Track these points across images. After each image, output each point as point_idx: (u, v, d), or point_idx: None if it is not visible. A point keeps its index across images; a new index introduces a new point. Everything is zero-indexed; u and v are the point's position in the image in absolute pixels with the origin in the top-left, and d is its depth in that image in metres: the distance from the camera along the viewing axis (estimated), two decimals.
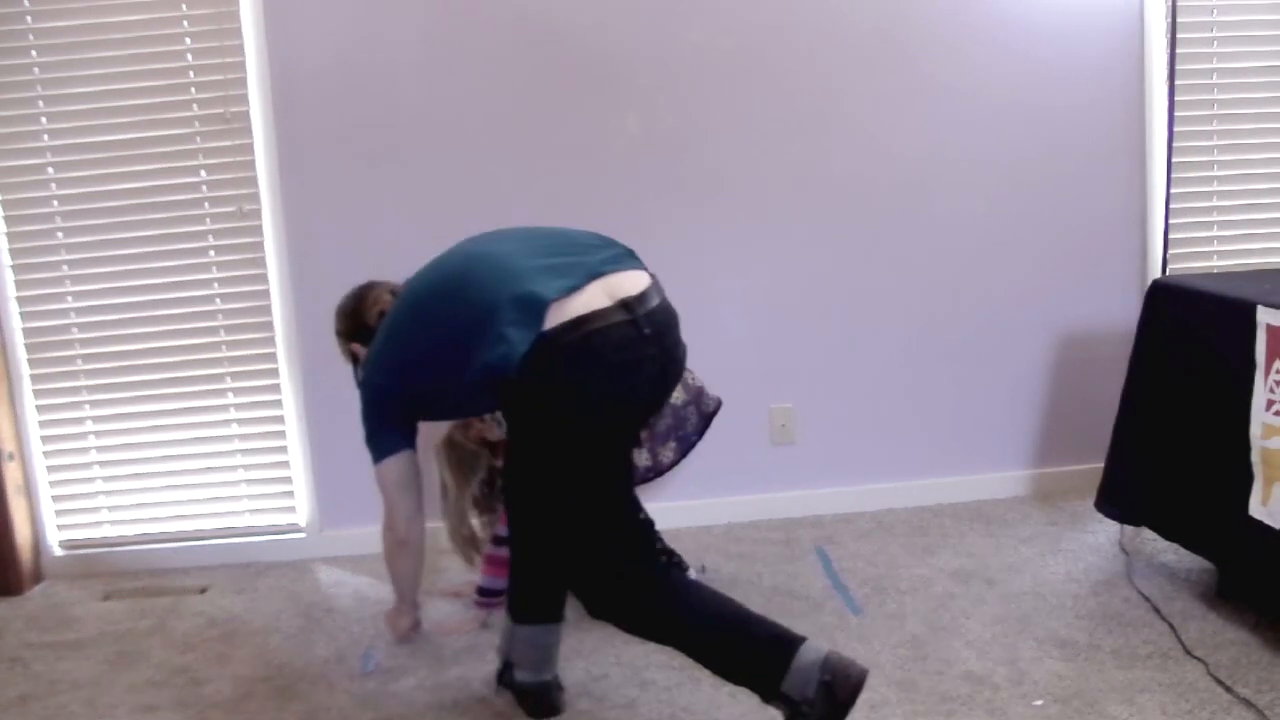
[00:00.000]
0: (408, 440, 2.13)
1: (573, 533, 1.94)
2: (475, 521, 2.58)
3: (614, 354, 1.82)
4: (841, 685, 1.80)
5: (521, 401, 1.86)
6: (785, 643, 1.85)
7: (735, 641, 1.89)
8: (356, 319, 2.32)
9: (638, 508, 2.33)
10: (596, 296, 1.84)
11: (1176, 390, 2.46)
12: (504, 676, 2.16)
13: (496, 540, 2.50)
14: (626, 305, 1.85)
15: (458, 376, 1.89)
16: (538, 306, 1.80)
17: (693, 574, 2.67)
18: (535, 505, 1.97)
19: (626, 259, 1.98)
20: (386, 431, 2.12)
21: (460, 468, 2.48)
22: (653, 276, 1.98)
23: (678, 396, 2.52)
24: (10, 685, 2.40)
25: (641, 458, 2.50)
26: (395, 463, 2.11)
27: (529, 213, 3.00)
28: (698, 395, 2.56)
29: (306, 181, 2.96)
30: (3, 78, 2.88)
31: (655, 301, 1.93)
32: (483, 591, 2.54)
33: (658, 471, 2.52)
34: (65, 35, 2.87)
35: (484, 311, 1.83)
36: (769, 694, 1.85)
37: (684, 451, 2.55)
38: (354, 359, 2.37)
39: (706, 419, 2.58)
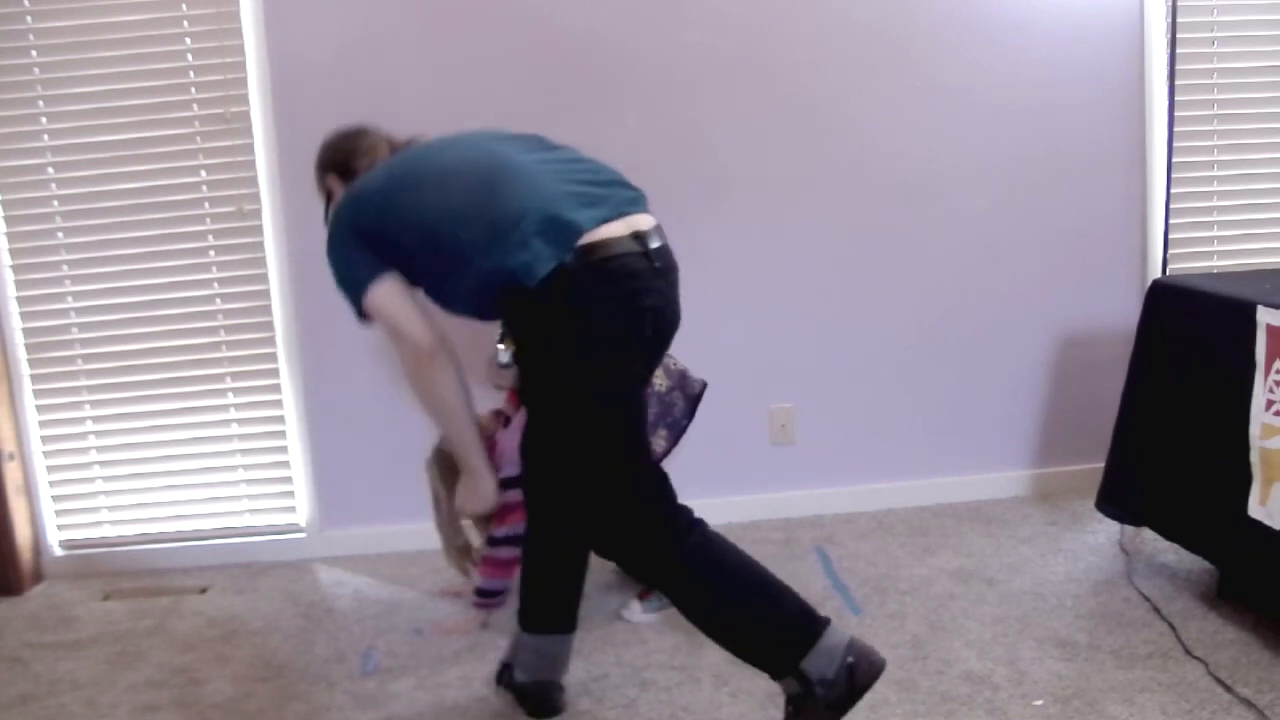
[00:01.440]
0: (388, 268, 1.92)
1: (589, 463, 1.85)
2: (470, 533, 2.57)
3: (627, 280, 1.83)
4: (864, 670, 1.78)
5: (532, 319, 1.83)
6: (814, 619, 1.81)
7: (762, 608, 1.82)
8: (344, 157, 2.17)
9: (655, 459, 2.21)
10: (617, 227, 1.85)
11: (1176, 390, 2.46)
12: (503, 676, 2.16)
13: (493, 541, 2.49)
14: (639, 237, 1.87)
15: (462, 265, 1.85)
16: (571, 231, 1.80)
17: None
18: (550, 438, 1.89)
19: (643, 201, 2.00)
20: (364, 261, 1.92)
21: (452, 478, 2.44)
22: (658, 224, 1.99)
23: (662, 383, 2.51)
24: (10, 685, 2.40)
25: None
26: (385, 285, 1.91)
27: None
28: (681, 379, 2.56)
29: (306, 181, 2.95)
30: (3, 78, 2.88)
31: (662, 243, 1.95)
32: (481, 592, 2.54)
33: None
34: (65, 35, 2.87)
35: (513, 214, 1.81)
36: (783, 669, 1.80)
37: (675, 438, 2.54)
38: (328, 196, 2.22)
39: (693, 401, 2.57)
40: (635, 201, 1.96)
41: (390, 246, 1.91)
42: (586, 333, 1.82)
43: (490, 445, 2.45)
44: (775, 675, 1.83)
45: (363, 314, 1.95)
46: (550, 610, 2.13)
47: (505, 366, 2.26)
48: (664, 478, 1.90)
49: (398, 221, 1.90)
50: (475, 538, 2.58)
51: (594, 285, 1.81)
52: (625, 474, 1.86)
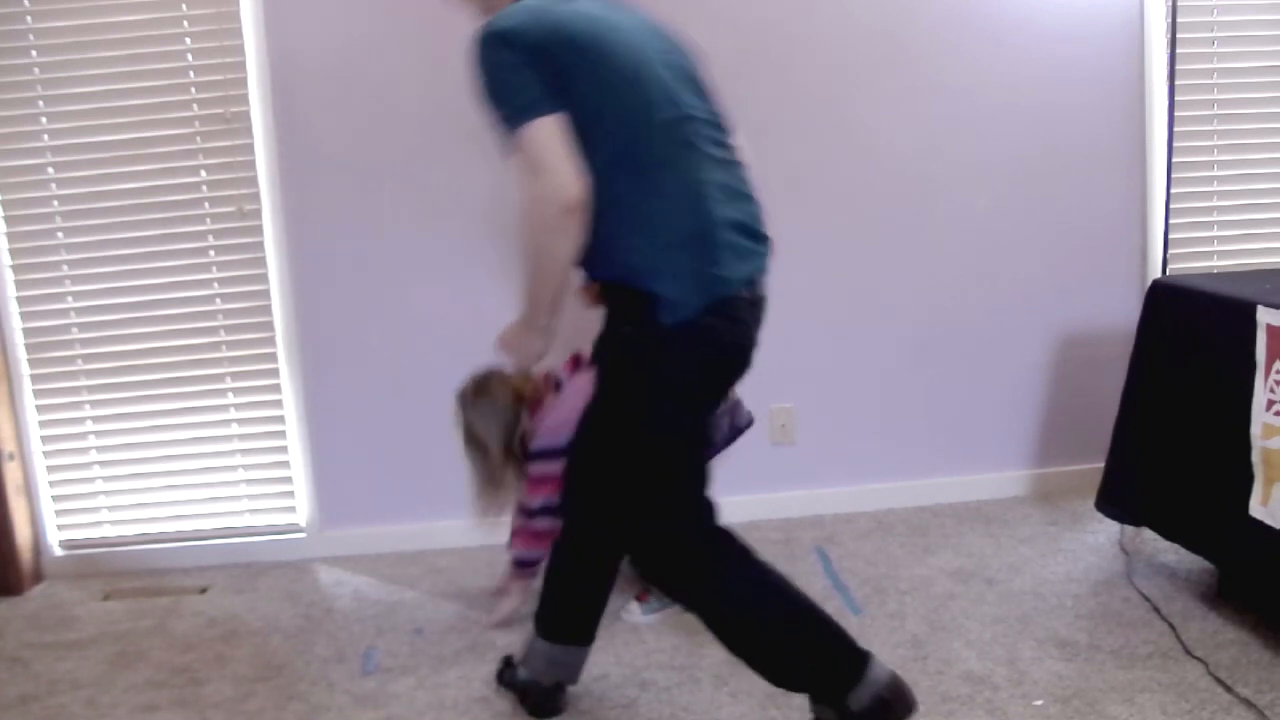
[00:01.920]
0: (561, 108, 1.69)
1: (646, 485, 1.80)
2: (508, 476, 2.48)
3: (739, 335, 1.80)
4: (899, 708, 1.79)
5: (636, 329, 1.75)
6: (860, 653, 1.81)
7: (812, 640, 1.81)
8: None
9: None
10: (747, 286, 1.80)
11: (1176, 390, 2.46)
12: (504, 675, 2.16)
13: (529, 513, 2.47)
14: (751, 283, 1.81)
15: (611, 206, 1.71)
16: (719, 286, 1.73)
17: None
18: (610, 452, 1.81)
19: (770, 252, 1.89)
20: (538, 88, 1.68)
21: (494, 417, 2.39)
22: None
23: None
24: (10, 685, 2.40)
25: None
26: (554, 121, 1.68)
27: None
28: (734, 408, 2.57)
29: (306, 181, 2.96)
30: (3, 78, 2.88)
31: (764, 286, 1.88)
32: (520, 563, 2.53)
33: None
34: (65, 35, 2.87)
35: (683, 231, 1.72)
36: (828, 699, 1.80)
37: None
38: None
39: (737, 432, 2.58)
40: (767, 257, 1.87)
41: (572, 99, 1.70)
42: (682, 375, 1.77)
43: (535, 406, 2.45)
44: (817, 699, 1.84)
45: (506, 142, 1.72)
46: (574, 621, 2.11)
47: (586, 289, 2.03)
48: (712, 508, 1.86)
49: (593, 87, 1.71)
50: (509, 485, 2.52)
51: (709, 338, 1.75)
52: (679, 503, 1.83)
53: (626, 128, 1.72)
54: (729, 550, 1.83)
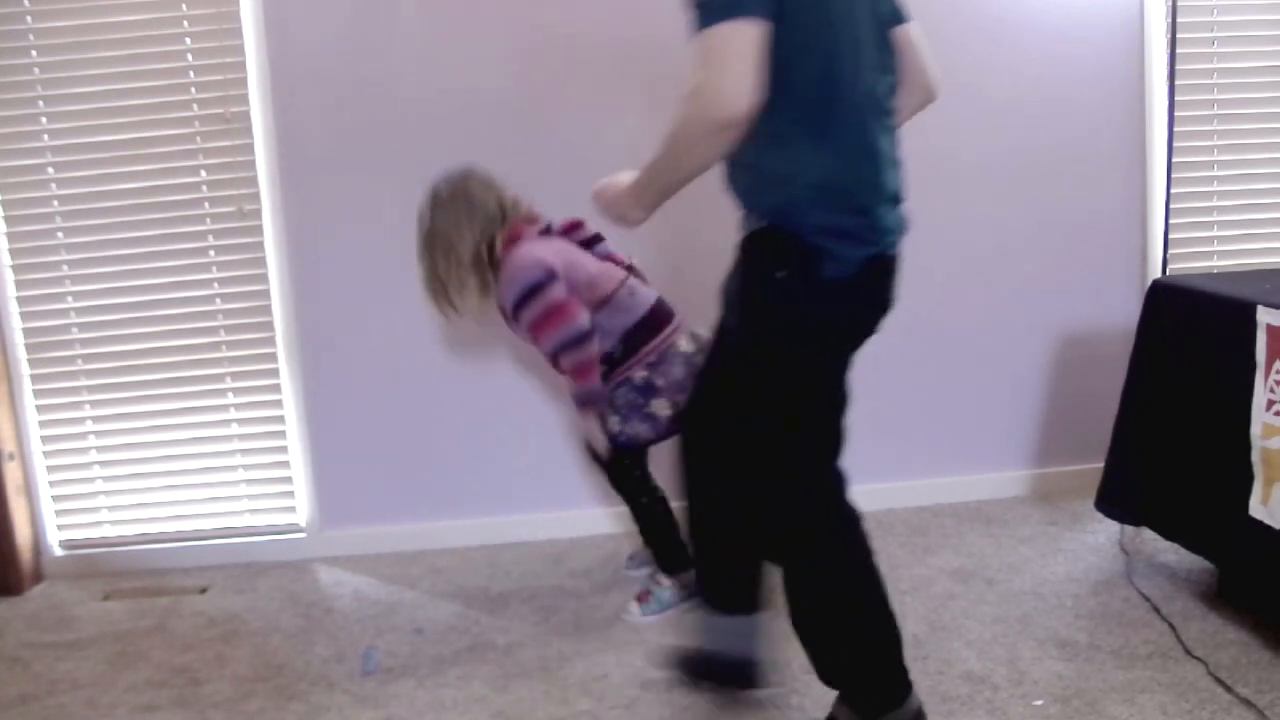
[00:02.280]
0: (769, 20, 1.53)
1: (787, 431, 1.76)
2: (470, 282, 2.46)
3: (880, 295, 1.78)
4: None
5: (799, 283, 1.66)
6: (907, 680, 1.84)
7: (877, 651, 1.81)
8: None
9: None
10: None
11: (1176, 390, 2.46)
12: (697, 668, 2.00)
13: (581, 400, 2.47)
14: (896, 262, 1.78)
15: (787, 139, 1.61)
16: (873, 246, 1.68)
17: None
18: (752, 397, 1.75)
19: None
20: None
21: (470, 218, 2.45)
22: None
23: (689, 346, 2.51)
24: (10, 685, 2.40)
25: (662, 407, 2.47)
26: (756, 28, 1.50)
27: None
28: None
29: (306, 181, 2.96)
30: (3, 78, 2.88)
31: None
32: (583, 398, 2.47)
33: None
34: (65, 35, 2.87)
35: (863, 193, 1.67)
36: (862, 711, 1.82)
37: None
38: None
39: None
40: (906, 223, 1.82)
41: (785, 22, 1.56)
42: (832, 327, 1.74)
43: (514, 235, 2.46)
44: (859, 707, 1.83)
45: (692, 36, 1.58)
46: (733, 587, 1.95)
47: None
48: (843, 479, 1.86)
49: (811, 18, 1.59)
50: None
51: (861, 295, 1.73)
52: (812, 463, 1.82)
53: (824, 78, 1.61)
54: (848, 533, 1.83)
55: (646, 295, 2.55)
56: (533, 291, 2.39)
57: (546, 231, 2.56)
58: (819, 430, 1.84)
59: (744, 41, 1.50)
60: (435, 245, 2.48)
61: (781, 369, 1.73)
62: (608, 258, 2.60)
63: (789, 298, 1.69)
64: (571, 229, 2.61)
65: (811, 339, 1.73)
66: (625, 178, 1.84)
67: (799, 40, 1.57)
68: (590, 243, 2.62)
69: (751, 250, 1.75)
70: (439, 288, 2.49)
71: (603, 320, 2.46)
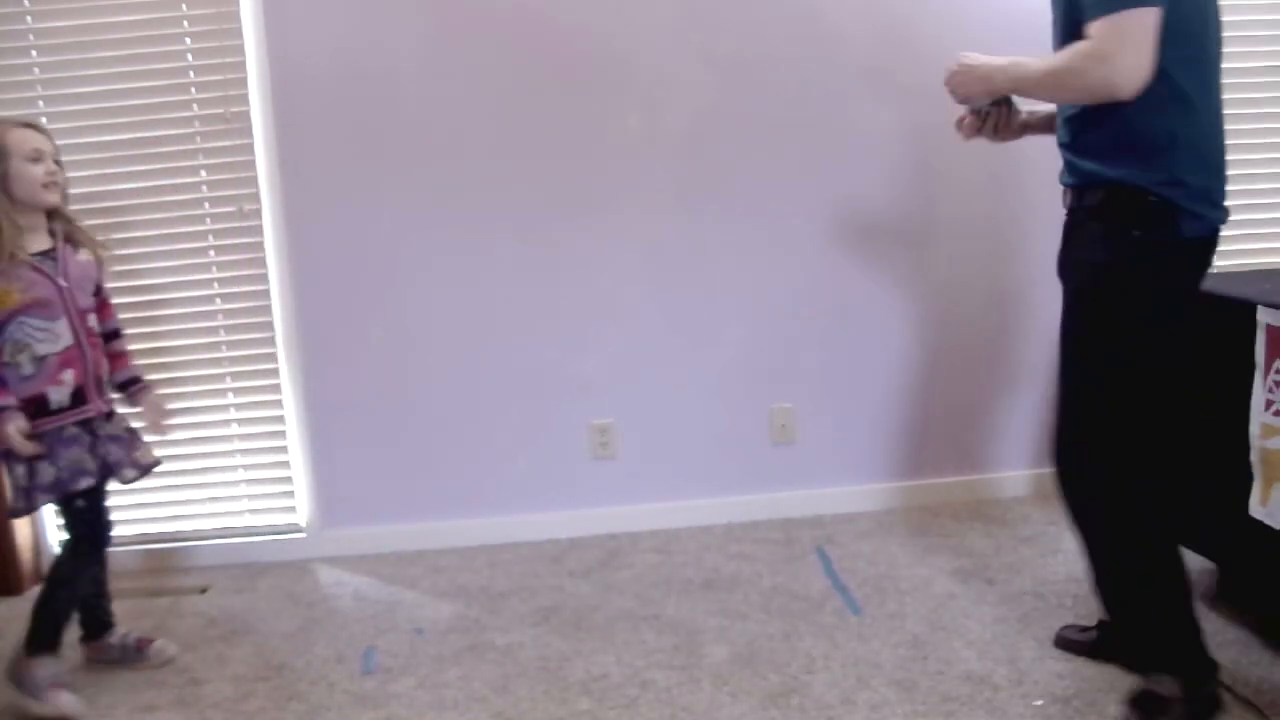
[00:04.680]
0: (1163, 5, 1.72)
1: (1146, 388, 1.93)
2: None
3: (1212, 260, 1.95)
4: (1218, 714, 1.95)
5: (1158, 240, 1.85)
6: (1212, 661, 1.96)
7: (1183, 619, 1.95)
8: None
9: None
10: None
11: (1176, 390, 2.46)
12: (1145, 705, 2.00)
13: None
14: None
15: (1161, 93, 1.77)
16: (1217, 209, 1.87)
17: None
18: (1116, 357, 1.95)
19: None
20: None
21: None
22: None
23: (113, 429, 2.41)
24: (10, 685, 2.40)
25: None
26: (1155, 15, 1.71)
27: (529, 212, 3.01)
28: (134, 442, 2.48)
29: (306, 181, 2.96)
30: (3, 78, 2.88)
31: None
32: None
33: None
34: (65, 35, 2.87)
35: (1219, 163, 1.87)
36: (1184, 672, 1.94)
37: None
38: None
39: (144, 470, 2.47)
40: None
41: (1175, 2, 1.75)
42: (1184, 284, 1.91)
43: None
44: (1158, 668, 1.96)
45: (1097, 13, 1.74)
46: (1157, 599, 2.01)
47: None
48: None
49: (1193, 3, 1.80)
50: None
51: (1208, 254, 1.91)
52: (1152, 429, 1.96)
53: (1198, 56, 1.81)
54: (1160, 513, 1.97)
55: None
56: None
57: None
58: (1168, 389, 1.97)
59: (1150, 28, 1.71)
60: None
61: (1146, 327, 1.91)
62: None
63: (1151, 253, 1.87)
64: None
65: (1169, 296, 1.91)
66: (984, 59, 2.04)
67: (1181, 18, 1.76)
68: None
69: (1099, 210, 1.96)
70: None
71: None
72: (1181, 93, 1.80)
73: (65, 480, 2.25)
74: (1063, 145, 2.02)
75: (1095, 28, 1.73)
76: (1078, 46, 1.77)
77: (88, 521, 2.34)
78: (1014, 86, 2.00)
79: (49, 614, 2.32)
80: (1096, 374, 1.97)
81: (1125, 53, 1.71)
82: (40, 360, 2.24)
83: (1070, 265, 2.05)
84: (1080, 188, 1.99)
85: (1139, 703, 1.97)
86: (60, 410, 2.26)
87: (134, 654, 2.48)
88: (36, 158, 2.22)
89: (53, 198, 2.27)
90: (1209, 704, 1.95)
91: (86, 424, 2.31)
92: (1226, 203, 1.91)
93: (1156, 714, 1.94)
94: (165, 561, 3.07)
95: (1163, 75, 1.74)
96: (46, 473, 2.23)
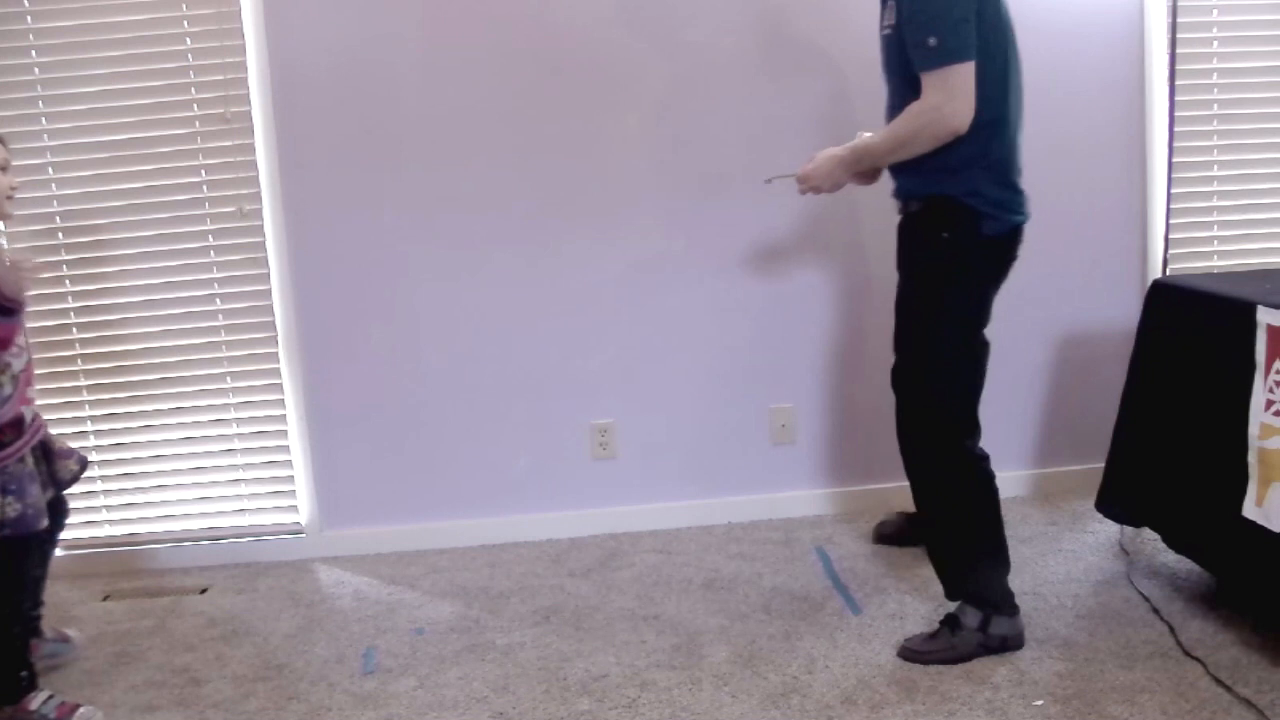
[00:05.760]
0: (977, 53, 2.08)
1: (959, 363, 2.34)
2: None
3: (1016, 254, 2.30)
4: (1011, 648, 2.28)
5: (964, 240, 2.18)
6: (1014, 604, 2.30)
7: (995, 562, 2.31)
8: None
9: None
10: None
11: (1176, 390, 2.46)
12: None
13: None
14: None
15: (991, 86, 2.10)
16: (1016, 213, 2.22)
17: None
18: (938, 332, 2.28)
19: None
20: (972, 34, 2.05)
21: None
22: None
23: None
24: None
25: None
26: (971, 68, 2.05)
27: (529, 212, 3.01)
28: (66, 454, 2.37)
29: (306, 181, 2.96)
30: (3, 78, 2.88)
31: None
32: None
33: None
34: (65, 35, 2.87)
35: (1016, 163, 2.22)
36: (980, 604, 2.27)
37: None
38: None
39: (61, 485, 2.35)
40: None
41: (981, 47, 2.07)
42: (986, 274, 2.26)
43: None
44: (959, 596, 2.31)
45: (926, 68, 2.06)
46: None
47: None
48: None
49: (994, 44, 2.10)
50: None
51: (1008, 250, 2.26)
52: (967, 386, 2.38)
53: (998, 84, 2.12)
54: (984, 468, 2.38)
55: None
56: None
57: None
58: (978, 364, 2.42)
59: (970, 78, 2.05)
60: None
61: (958, 306, 2.28)
62: None
63: (959, 251, 2.21)
64: None
65: (974, 283, 2.27)
66: (832, 153, 2.35)
67: (983, 58, 2.08)
68: None
69: (923, 219, 2.25)
70: None
71: None
72: (996, 116, 2.12)
73: (31, 518, 2.13)
74: (890, 169, 2.31)
75: (926, 80, 2.06)
76: (911, 109, 2.10)
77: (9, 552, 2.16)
78: (872, 162, 2.30)
79: (5, 654, 2.16)
80: (924, 334, 2.30)
81: (955, 100, 2.05)
82: (15, 379, 2.18)
83: (904, 260, 2.33)
84: (906, 199, 2.29)
85: (945, 622, 2.30)
86: (25, 428, 2.17)
87: None
88: (4, 167, 2.18)
89: (12, 208, 2.22)
90: (1000, 640, 2.25)
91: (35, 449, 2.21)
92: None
93: (955, 639, 2.26)
94: (165, 561, 3.08)
95: (980, 105, 2.06)
96: (12, 508, 2.10)
